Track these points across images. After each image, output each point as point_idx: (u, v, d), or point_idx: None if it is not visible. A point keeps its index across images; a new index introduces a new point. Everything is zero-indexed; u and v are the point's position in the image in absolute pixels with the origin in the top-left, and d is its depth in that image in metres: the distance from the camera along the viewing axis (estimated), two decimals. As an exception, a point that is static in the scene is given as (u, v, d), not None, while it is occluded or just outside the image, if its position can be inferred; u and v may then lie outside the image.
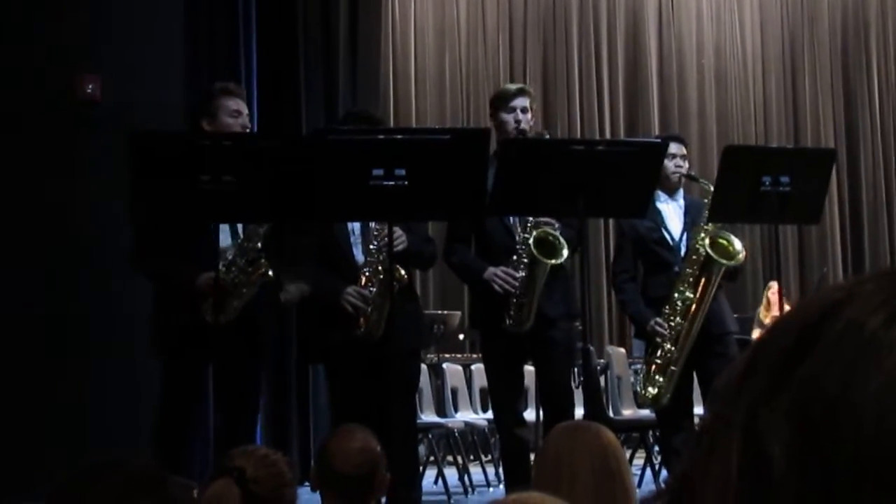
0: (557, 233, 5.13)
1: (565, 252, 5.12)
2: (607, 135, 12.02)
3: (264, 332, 5.09)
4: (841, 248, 12.68)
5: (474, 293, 5.58)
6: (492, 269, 5.16)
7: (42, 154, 6.51)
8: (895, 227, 12.84)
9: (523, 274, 5.13)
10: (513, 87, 5.64)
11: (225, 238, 4.83)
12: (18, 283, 6.40)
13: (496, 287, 5.12)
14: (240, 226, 4.87)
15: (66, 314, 6.36)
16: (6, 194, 6.48)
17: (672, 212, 5.63)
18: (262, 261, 4.78)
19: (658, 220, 5.57)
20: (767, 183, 4.92)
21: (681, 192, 5.70)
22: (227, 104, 4.96)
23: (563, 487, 2.42)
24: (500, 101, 5.36)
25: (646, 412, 7.73)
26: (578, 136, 11.59)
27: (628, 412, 7.62)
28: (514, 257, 5.17)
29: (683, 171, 5.66)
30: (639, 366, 8.97)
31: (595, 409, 5.63)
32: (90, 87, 6.61)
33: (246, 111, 5.02)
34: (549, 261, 5.08)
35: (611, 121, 12.32)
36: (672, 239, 5.56)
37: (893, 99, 13.05)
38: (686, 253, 5.47)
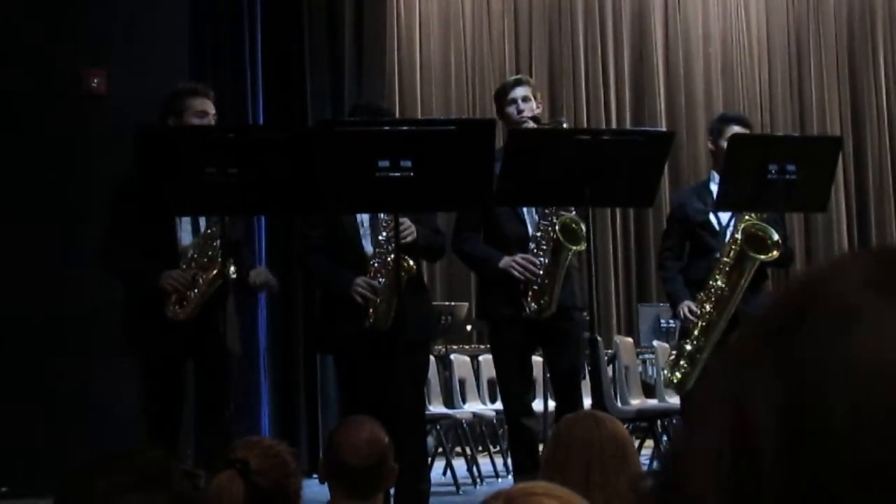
0: (580, 220, 5.13)
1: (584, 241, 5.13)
2: (613, 124, 12.00)
3: (230, 327, 5.10)
4: (847, 236, 12.66)
5: (482, 283, 5.56)
6: (508, 258, 5.15)
7: (47, 147, 6.51)
8: (902, 215, 12.82)
9: (545, 260, 5.13)
10: (510, 78, 5.65)
11: (186, 236, 4.92)
12: (22, 277, 6.41)
13: (516, 274, 5.11)
14: (202, 222, 4.92)
15: (72, 307, 6.36)
16: (12, 187, 6.48)
17: None
18: (220, 258, 4.80)
19: (709, 203, 5.46)
20: (774, 171, 4.91)
21: None
22: (193, 104, 4.98)
23: (571, 477, 2.42)
24: (501, 96, 5.37)
25: (653, 402, 7.75)
26: (585, 125, 11.57)
27: (636, 402, 7.62)
28: (534, 244, 5.16)
29: None
30: (647, 356, 9.00)
31: (600, 399, 5.63)
32: (95, 80, 6.61)
33: (213, 111, 5.03)
34: (573, 247, 5.06)
35: (617, 110, 12.30)
36: (719, 224, 5.48)
37: (900, 86, 13.02)
38: (727, 241, 5.39)
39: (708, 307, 5.33)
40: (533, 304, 5.11)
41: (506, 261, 5.15)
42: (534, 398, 5.87)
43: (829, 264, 0.68)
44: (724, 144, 5.44)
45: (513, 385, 5.32)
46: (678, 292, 5.50)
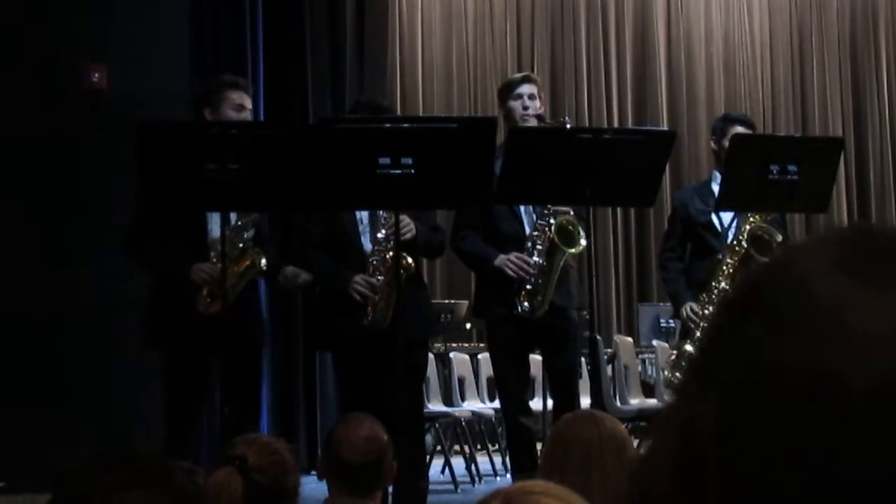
0: (578, 221, 5.12)
1: (583, 242, 5.11)
2: (615, 123, 12.00)
3: (259, 320, 5.10)
4: (849, 237, 12.65)
5: (480, 281, 5.56)
6: (503, 256, 5.16)
7: (48, 143, 6.51)
8: (903, 215, 12.81)
9: (539, 260, 5.13)
10: (518, 75, 5.66)
11: (215, 229, 4.84)
12: (22, 272, 6.40)
13: (510, 272, 5.11)
14: (232, 216, 4.86)
15: (70, 303, 6.36)
16: (12, 183, 6.48)
17: None
18: (252, 251, 4.79)
19: (711, 203, 5.46)
20: (775, 171, 4.90)
21: None
22: (231, 96, 4.98)
23: (570, 476, 2.41)
24: (507, 90, 5.38)
25: (653, 401, 7.75)
26: (586, 124, 11.57)
27: (636, 401, 7.62)
28: (530, 243, 5.17)
29: None
30: (647, 355, 9.00)
31: (599, 398, 5.63)
32: (96, 76, 6.60)
33: (250, 106, 5.04)
34: (568, 249, 5.06)
35: (619, 109, 12.29)
36: (721, 224, 5.48)
37: (902, 86, 13.02)
38: (730, 242, 5.38)
39: (711, 309, 5.32)
40: (525, 304, 5.12)
41: (500, 259, 5.16)
42: (532, 397, 5.86)
43: (794, 247, 0.65)
44: (727, 144, 5.45)
45: (510, 383, 5.32)
46: (681, 293, 5.49)
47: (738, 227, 5.37)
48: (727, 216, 5.45)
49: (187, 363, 4.82)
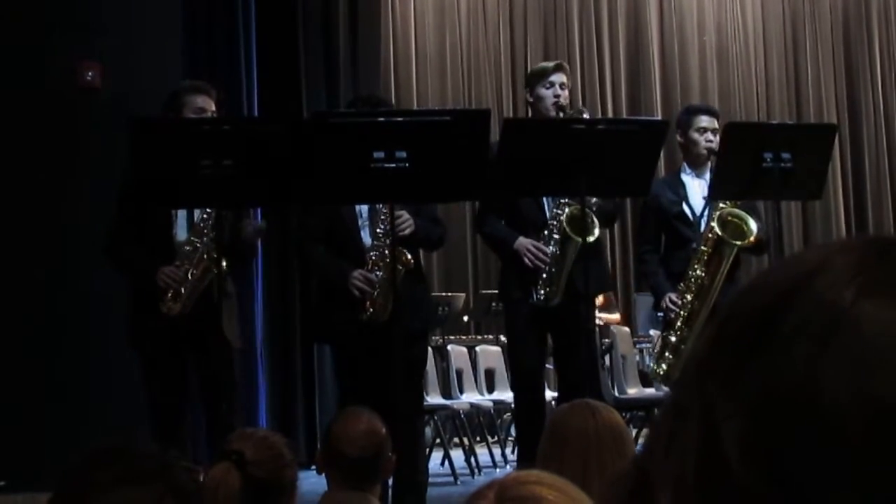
0: (591, 210, 5.14)
1: (597, 231, 5.15)
2: (609, 114, 11.99)
3: (227, 317, 5.11)
4: (845, 224, 12.66)
5: (503, 266, 5.60)
6: (523, 240, 5.20)
7: (41, 141, 6.50)
8: (899, 202, 12.82)
9: (554, 249, 5.16)
10: (550, 63, 5.69)
11: (181, 231, 4.99)
12: (17, 271, 6.40)
13: (526, 262, 5.15)
14: (196, 215, 4.97)
15: (65, 300, 6.36)
16: (5, 181, 6.47)
17: (697, 187, 5.53)
18: (212, 252, 4.85)
19: (682, 194, 5.51)
20: (769, 159, 4.91)
21: (708, 166, 5.51)
22: (191, 101, 5.05)
23: (567, 467, 2.42)
24: (538, 77, 5.42)
25: (651, 391, 7.76)
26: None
27: (633, 391, 7.63)
28: (546, 232, 5.20)
29: (714, 145, 5.43)
30: (644, 345, 9.01)
31: (596, 388, 5.64)
32: (90, 74, 6.59)
33: (212, 108, 5.09)
34: (579, 238, 5.08)
35: (612, 100, 12.29)
36: (693, 214, 5.49)
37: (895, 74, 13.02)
38: (703, 230, 5.40)
39: (689, 297, 5.35)
40: (541, 293, 5.15)
41: (520, 242, 5.21)
42: (543, 385, 5.83)
43: (813, 258, 0.62)
44: (694, 136, 5.50)
45: (525, 361, 5.33)
46: (660, 285, 5.51)
47: (709, 216, 5.38)
48: (699, 206, 5.47)
49: (162, 361, 4.94)
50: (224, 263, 4.84)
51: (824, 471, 0.57)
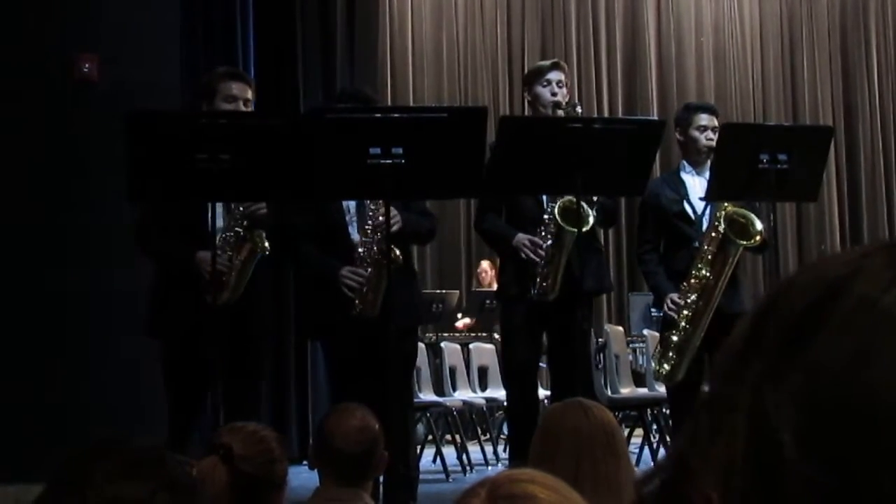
0: (593, 204, 5.16)
1: (591, 220, 5.15)
2: (605, 112, 12.00)
3: (262, 311, 5.09)
4: (839, 226, 12.68)
5: (501, 262, 5.61)
6: (521, 236, 5.23)
7: (38, 132, 6.49)
8: (894, 204, 12.84)
9: (550, 243, 5.17)
10: (547, 62, 5.70)
11: (219, 218, 4.79)
12: (15, 262, 6.39)
13: (522, 255, 5.17)
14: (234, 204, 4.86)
15: (63, 294, 6.35)
16: (1, 173, 6.46)
17: (697, 185, 5.47)
18: (252, 235, 4.79)
19: (682, 192, 5.47)
20: (765, 160, 4.91)
21: (708, 165, 5.41)
22: (225, 87, 4.92)
23: (559, 466, 2.42)
24: (536, 76, 5.44)
25: (643, 390, 7.77)
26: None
27: (626, 390, 7.64)
28: (541, 227, 5.21)
29: (714, 143, 5.38)
30: (638, 344, 9.02)
31: (589, 387, 5.64)
32: (87, 66, 6.58)
33: (247, 96, 4.94)
34: (573, 229, 5.07)
35: (609, 99, 12.30)
36: (694, 213, 5.46)
37: (892, 76, 13.03)
38: (706, 229, 5.36)
39: (693, 297, 5.31)
40: (540, 286, 5.16)
41: (518, 237, 5.24)
42: (536, 383, 5.83)
43: (850, 260, 0.64)
44: (693, 134, 5.48)
45: (520, 360, 5.34)
46: (662, 285, 5.47)
47: (712, 214, 5.37)
48: (700, 204, 5.44)
49: (188, 353, 4.79)
50: (266, 244, 4.78)
51: (879, 459, 0.59)
